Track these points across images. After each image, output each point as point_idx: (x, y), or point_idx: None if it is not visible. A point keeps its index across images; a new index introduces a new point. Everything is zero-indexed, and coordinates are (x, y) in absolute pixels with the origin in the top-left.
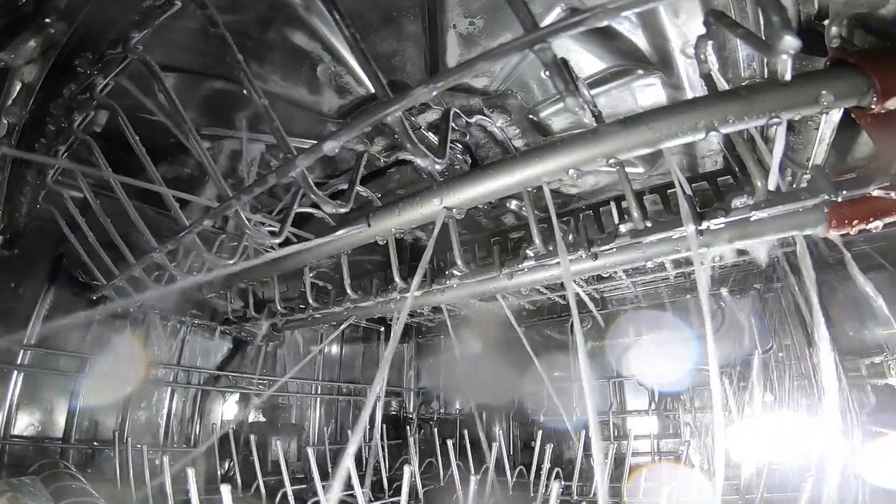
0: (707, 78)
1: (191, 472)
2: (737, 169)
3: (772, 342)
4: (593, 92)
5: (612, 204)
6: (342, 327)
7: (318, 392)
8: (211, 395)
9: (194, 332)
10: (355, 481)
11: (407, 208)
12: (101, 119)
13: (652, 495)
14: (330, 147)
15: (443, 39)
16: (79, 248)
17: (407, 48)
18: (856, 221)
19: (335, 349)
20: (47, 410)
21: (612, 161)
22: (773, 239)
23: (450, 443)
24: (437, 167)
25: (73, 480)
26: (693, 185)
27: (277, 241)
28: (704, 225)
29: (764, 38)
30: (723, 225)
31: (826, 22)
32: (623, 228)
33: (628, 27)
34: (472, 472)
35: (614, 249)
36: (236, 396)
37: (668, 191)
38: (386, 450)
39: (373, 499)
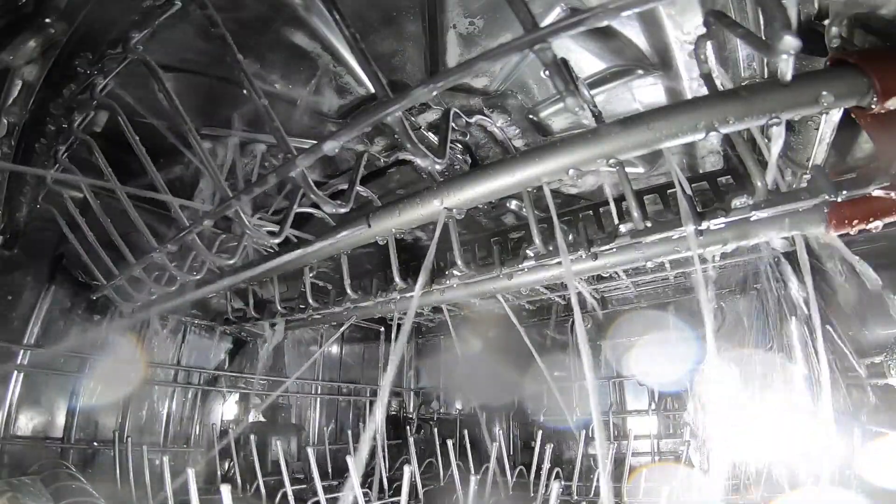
0: (707, 78)
1: (191, 472)
2: (742, 167)
3: (772, 342)
4: (593, 92)
5: (612, 204)
6: (343, 328)
7: (318, 392)
8: (211, 395)
9: (194, 332)
10: (355, 481)
11: (407, 209)
12: (101, 119)
13: (652, 495)
14: (330, 147)
15: (443, 39)
16: (79, 248)
17: (407, 48)
18: (856, 221)
19: (335, 349)
20: (47, 410)
21: (612, 161)
22: (775, 237)
23: (450, 443)
24: (437, 167)
25: (73, 480)
26: (693, 185)
27: (277, 241)
28: (704, 225)
29: (764, 38)
30: (723, 225)
31: (826, 22)
32: (623, 228)
33: (628, 27)
34: (472, 472)
35: (614, 249)
36: (236, 396)
37: (668, 191)
38: (386, 450)
39: (373, 499)
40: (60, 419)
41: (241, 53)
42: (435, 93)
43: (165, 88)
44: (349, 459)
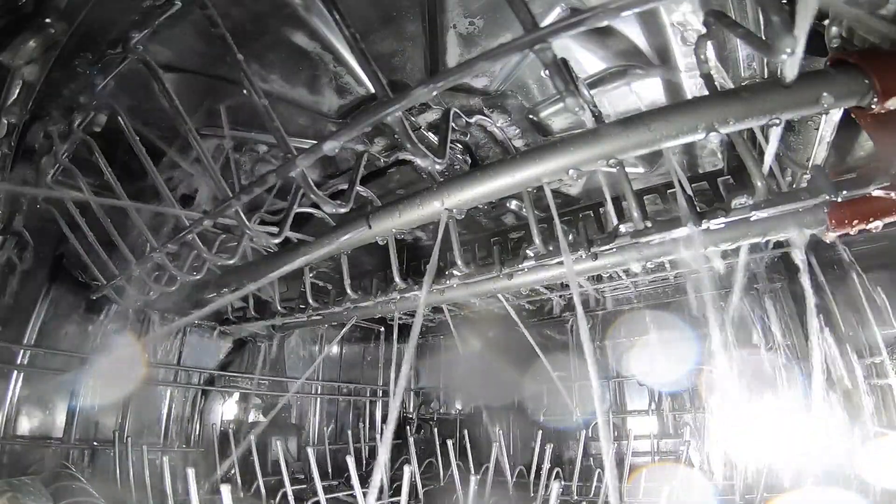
0: (707, 78)
1: (191, 472)
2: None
3: (772, 342)
4: (593, 91)
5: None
6: (345, 328)
7: (319, 392)
8: (211, 395)
9: (194, 332)
10: (355, 481)
11: (407, 209)
12: (101, 119)
13: (652, 495)
14: (330, 147)
15: (443, 39)
16: (79, 248)
17: (407, 48)
18: (856, 221)
19: (335, 349)
20: (47, 410)
21: (612, 161)
22: (779, 237)
23: (450, 443)
24: (437, 167)
25: (73, 480)
26: (693, 185)
27: (277, 240)
28: (704, 225)
29: (764, 38)
30: (723, 225)
31: (826, 22)
32: (623, 228)
33: (628, 27)
34: (472, 472)
35: (614, 249)
36: (236, 396)
37: (668, 191)
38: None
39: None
40: (60, 419)
41: (240, 53)
42: (435, 93)
43: (165, 88)
44: (349, 459)
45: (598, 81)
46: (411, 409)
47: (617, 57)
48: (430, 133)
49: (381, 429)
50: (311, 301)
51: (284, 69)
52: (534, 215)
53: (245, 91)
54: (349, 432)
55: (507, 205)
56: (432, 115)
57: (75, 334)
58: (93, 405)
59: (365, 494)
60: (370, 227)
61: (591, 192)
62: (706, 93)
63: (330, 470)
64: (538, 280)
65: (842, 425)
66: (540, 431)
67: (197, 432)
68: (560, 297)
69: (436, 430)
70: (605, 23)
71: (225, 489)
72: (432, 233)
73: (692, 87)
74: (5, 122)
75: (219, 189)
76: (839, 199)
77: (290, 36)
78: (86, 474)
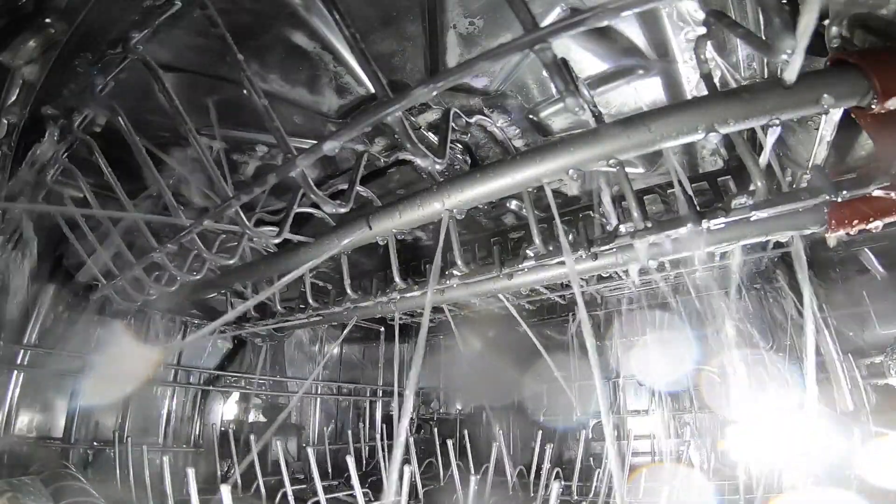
0: (707, 78)
1: (191, 472)
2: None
3: (772, 341)
4: (593, 91)
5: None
6: (347, 329)
7: (319, 392)
8: (211, 395)
9: (194, 332)
10: (355, 481)
11: (407, 209)
12: (101, 119)
13: (652, 495)
14: (330, 147)
15: (443, 39)
16: (79, 248)
17: (407, 48)
18: (856, 221)
19: (335, 349)
20: (47, 410)
21: (612, 161)
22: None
23: (450, 443)
24: (437, 167)
25: (73, 480)
26: (693, 185)
27: (276, 241)
28: (704, 225)
29: (764, 38)
30: (723, 225)
31: (826, 22)
32: (623, 228)
33: (628, 27)
34: (472, 472)
35: (614, 249)
36: (236, 396)
37: (668, 191)
38: (386, 450)
39: (373, 499)
40: (60, 419)
41: (241, 53)
42: (435, 93)
43: (165, 88)
44: (349, 459)
45: (598, 81)
46: (411, 409)
47: (617, 57)
48: (430, 133)
49: (381, 429)
50: (311, 301)
51: (284, 69)
52: (534, 215)
53: (245, 91)
54: (349, 432)
55: (507, 205)
56: (432, 115)
57: (75, 334)
58: (93, 405)
59: (365, 494)
60: (370, 227)
61: (592, 192)
62: (706, 93)
63: (330, 470)
64: (538, 280)
65: (842, 425)
66: (540, 431)
67: (197, 432)
68: (560, 297)
69: (436, 429)
70: (605, 23)
71: (225, 489)
72: (432, 233)
73: (692, 87)
74: (5, 122)
75: (219, 189)
76: (839, 199)
77: (290, 36)
78: (86, 474)
